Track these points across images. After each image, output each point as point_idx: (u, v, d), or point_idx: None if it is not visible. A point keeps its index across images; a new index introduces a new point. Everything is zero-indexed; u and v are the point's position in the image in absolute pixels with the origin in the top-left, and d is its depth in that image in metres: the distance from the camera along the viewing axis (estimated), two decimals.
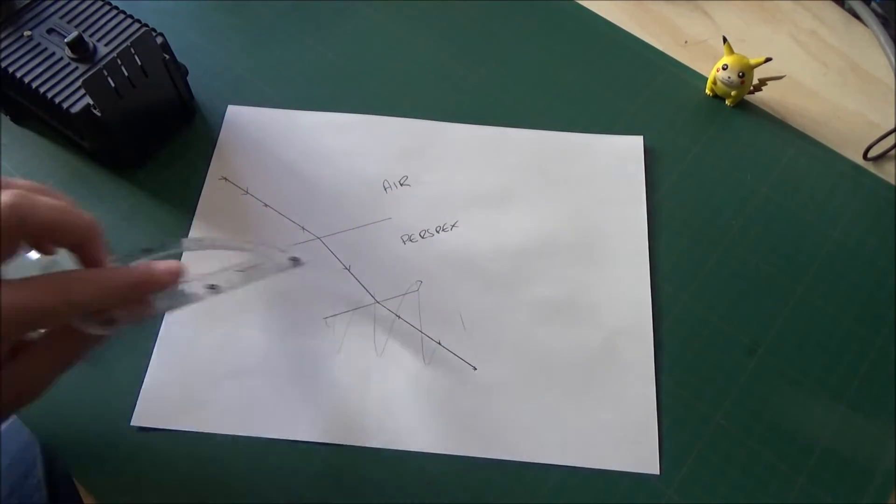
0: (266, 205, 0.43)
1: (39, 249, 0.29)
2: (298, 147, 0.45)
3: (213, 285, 0.33)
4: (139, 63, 0.40)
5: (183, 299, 0.32)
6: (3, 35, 0.42)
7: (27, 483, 0.34)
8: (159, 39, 0.42)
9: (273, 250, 0.36)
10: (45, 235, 0.28)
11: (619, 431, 0.37)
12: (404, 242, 0.42)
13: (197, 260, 0.38)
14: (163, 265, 0.30)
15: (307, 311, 0.40)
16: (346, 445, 0.36)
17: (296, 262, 0.35)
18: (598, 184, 0.44)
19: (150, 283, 0.30)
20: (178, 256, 0.39)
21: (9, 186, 0.27)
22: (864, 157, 0.46)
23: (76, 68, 0.41)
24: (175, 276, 0.30)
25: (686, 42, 0.51)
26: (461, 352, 0.39)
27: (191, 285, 0.33)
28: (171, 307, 0.32)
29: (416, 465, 0.36)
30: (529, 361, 0.39)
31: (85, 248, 0.29)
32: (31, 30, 0.42)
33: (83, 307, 0.28)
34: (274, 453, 0.36)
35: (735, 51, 0.46)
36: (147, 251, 0.33)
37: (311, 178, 0.44)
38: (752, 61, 0.46)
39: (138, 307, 0.30)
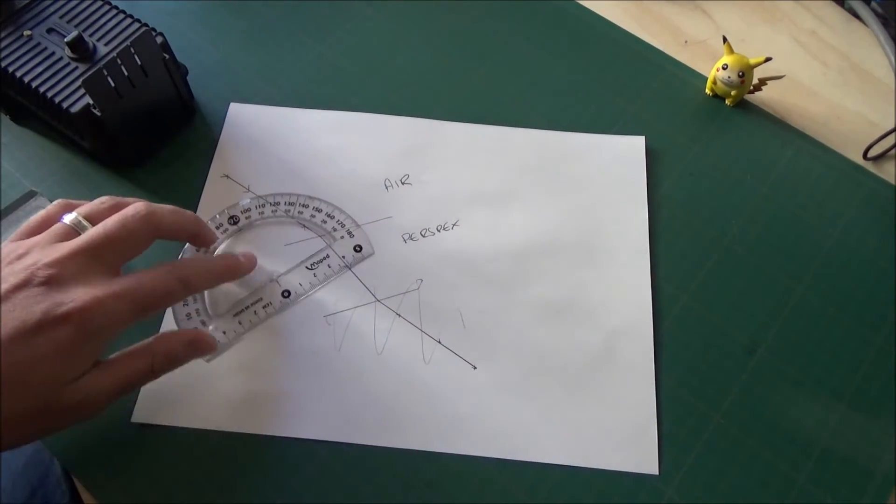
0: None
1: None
2: (300, 145, 0.45)
3: (286, 291, 0.40)
4: (139, 63, 0.40)
5: (263, 314, 0.39)
6: (3, 35, 0.42)
7: (48, 481, 0.35)
8: (159, 39, 0.42)
9: (344, 215, 0.42)
10: (170, 236, 0.36)
11: (618, 431, 0.37)
12: (405, 241, 0.42)
13: (267, 259, 0.41)
14: (241, 254, 0.39)
15: (307, 309, 0.40)
16: (346, 444, 0.36)
17: (359, 249, 0.41)
18: (599, 184, 0.44)
19: (237, 268, 0.38)
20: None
21: (120, 206, 0.34)
22: (864, 157, 0.46)
23: (76, 68, 0.41)
24: (252, 263, 0.39)
25: (686, 42, 0.51)
26: (461, 351, 0.39)
27: (268, 290, 0.40)
28: (254, 323, 0.39)
29: (415, 465, 0.36)
30: (529, 361, 0.39)
31: (197, 237, 0.37)
32: (31, 29, 0.42)
33: (194, 289, 0.35)
34: (273, 451, 0.36)
35: (735, 50, 0.46)
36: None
37: (312, 176, 0.44)
38: (752, 61, 0.46)
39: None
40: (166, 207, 0.35)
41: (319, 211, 0.42)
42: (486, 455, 0.36)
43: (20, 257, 0.32)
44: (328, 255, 0.41)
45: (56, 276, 0.31)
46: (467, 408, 0.37)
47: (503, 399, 0.38)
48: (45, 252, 0.32)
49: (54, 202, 0.36)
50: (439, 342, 0.39)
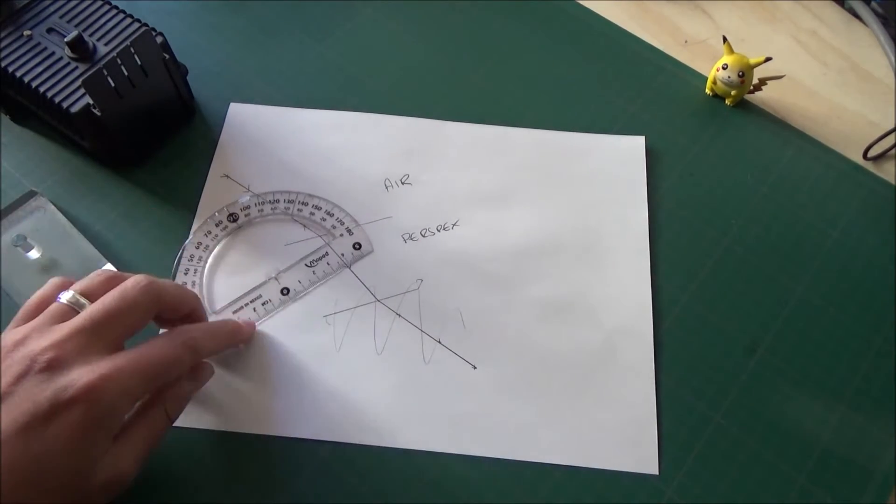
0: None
1: (159, 321, 0.35)
2: (300, 145, 0.45)
3: (285, 289, 0.40)
4: (139, 63, 0.40)
5: (262, 311, 0.39)
6: (3, 35, 0.42)
7: None
8: (159, 39, 0.42)
9: (343, 213, 0.42)
10: (170, 310, 0.34)
11: (618, 431, 0.37)
12: (405, 241, 0.42)
13: (266, 257, 0.41)
14: (243, 321, 0.39)
15: (307, 309, 0.40)
16: (346, 444, 0.36)
17: (358, 247, 0.42)
18: (599, 184, 0.44)
19: (240, 332, 0.38)
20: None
21: (118, 280, 0.33)
22: (864, 156, 0.46)
23: (76, 68, 0.41)
24: (252, 329, 0.39)
25: (686, 42, 0.51)
26: (461, 351, 0.39)
27: (267, 288, 0.40)
28: (252, 321, 0.39)
29: (415, 465, 0.36)
30: (529, 361, 0.39)
31: (195, 314, 0.36)
32: (30, 29, 0.42)
33: (202, 354, 0.34)
34: (273, 451, 0.36)
35: (735, 50, 0.46)
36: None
37: (312, 176, 0.44)
38: (752, 61, 0.46)
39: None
40: (168, 282, 0.34)
41: (318, 209, 0.42)
42: (486, 455, 0.36)
43: (17, 345, 0.30)
44: (327, 253, 0.41)
45: (56, 359, 0.29)
46: (467, 407, 0.37)
47: (503, 399, 0.38)
48: (43, 336, 0.30)
49: (49, 282, 0.33)
50: (439, 342, 0.39)
